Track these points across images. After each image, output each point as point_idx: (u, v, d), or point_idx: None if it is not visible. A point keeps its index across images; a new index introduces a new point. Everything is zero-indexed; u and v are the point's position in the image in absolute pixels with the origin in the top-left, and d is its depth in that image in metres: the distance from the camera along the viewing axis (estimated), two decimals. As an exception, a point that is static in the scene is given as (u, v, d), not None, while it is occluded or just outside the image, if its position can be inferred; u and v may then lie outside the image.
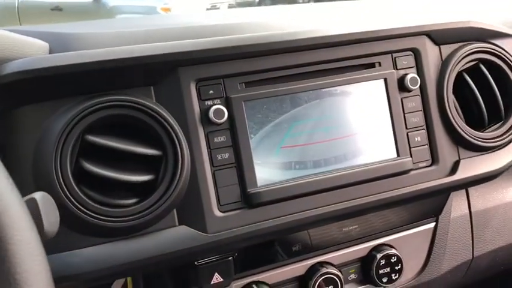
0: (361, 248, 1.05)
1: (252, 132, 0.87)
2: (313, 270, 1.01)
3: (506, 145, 1.05)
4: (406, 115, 0.96)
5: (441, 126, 0.98)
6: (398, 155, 0.95)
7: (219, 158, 0.84)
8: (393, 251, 1.06)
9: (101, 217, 0.77)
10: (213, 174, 0.84)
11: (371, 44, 0.94)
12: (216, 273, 0.90)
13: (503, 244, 1.23)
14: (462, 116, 1.02)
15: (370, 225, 1.05)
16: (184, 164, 0.81)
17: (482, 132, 1.02)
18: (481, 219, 1.20)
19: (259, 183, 0.86)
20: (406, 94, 0.96)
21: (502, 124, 1.04)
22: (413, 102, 0.97)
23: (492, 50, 1.04)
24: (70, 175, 0.76)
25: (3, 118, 0.78)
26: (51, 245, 0.77)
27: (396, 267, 1.06)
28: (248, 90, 0.87)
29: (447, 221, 1.15)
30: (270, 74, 0.88)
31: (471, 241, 1.19)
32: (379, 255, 1.04)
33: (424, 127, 0.98)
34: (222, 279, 0.90)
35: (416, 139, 0.97)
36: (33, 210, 0.53)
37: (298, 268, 1.01)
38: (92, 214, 0.76)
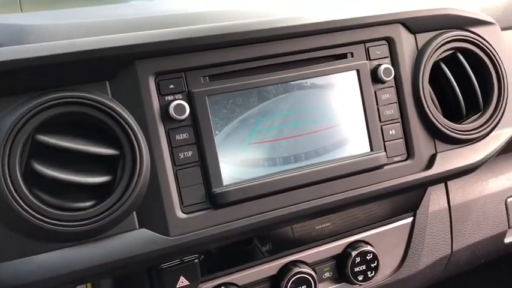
0: (336, 246, 1.03)
1: (217, 129, 0.83)
2: (285, 269, 0.98)
3: (485, 137, 1.02)
4: (380, 108, 0.93)
5: (417, 119, 0.95)
6: (371, 149, 0.92)
7: (182, 156, 0.81)
8: (369, 247, 1.03)
9: (55, 222, 0.73)
10: (175, 174, 0.80)
11: (342, 34, 0.90)
12: (182, 277, 0.86)
13: (483, 237, 1.21)
14: (439, 108, 0.99)
15: (344, 222, 1.02)
16: (143, 164, 0.77)
17: (460, 124, 1.00)
18: (460, 212, 1.18)
19: (225, 182, 0.83)
20: (380, 86, 0.93)
21: (481, 115, 1.01)
22: (388, 94, 0.93)
23: (470, 38, 1.00)
24: (19, 177, 0.71)
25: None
26: (0, 252, 0.73)
27: (372, 265, 1.03)
28: (212, 84, 0.83)
29: (425, 216, 1.12)
30: (235, 66, 0.84)
31: (450, 235, 1.17)
32: (354, 253, 1.02)
33: (399, 120, 0.95)
34: (188, 283, 0.87)
35: (390, 132, 0.93)
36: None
37: (269, 268, 0.98)
38: (45, 219, 0.72)
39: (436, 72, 0.98)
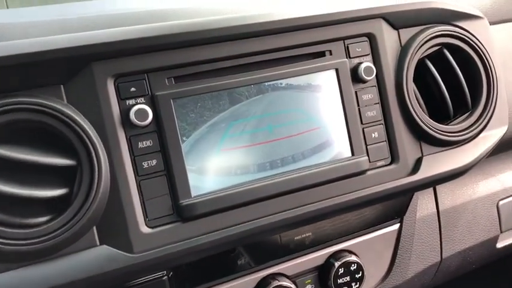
0: (318, 256, 0.98)
1: (184, 135, 0.77)
2: (264, 283, 0.93)
3: (474, 138, 0.97)
4: (361, 109, 0.88)
5: (401, 120, 0.91)
6: (353, 153, 0.87)
7: (145, 165, 0.75)
8: (353, 257, 0.98)
9: (5, 240, 0.67)
10: (138, 185, 0.75)
11: (320, 30, 0.86)
12: (150, 296, 0.81)
13: (474, 243, 1.17)
14: (424, 108, 0.95)
15: (326, 231, 0.97)
16: (101, 174, 0.72)
17: (447, 125, 0.95)
18: (449, 217, 1.14)
19: (193, 193, 0.78)
20: (361, 85, 0.89)
21: (469, 115, 0.97)
22: (369, 94, 0.89)
23: (457, 34, 0.96)
24: None
25: None
26: None
27: (357, 275, 0.98)
28: (178, 86, 0.78)
29: (412, 222, 1.08)
30: (203, 66, 0.79)
31: (439, 242, 1.13)
32: (337, 263, 0.97)
33: (382, 122, 0.90)
34: (156, 302, 0.81)
35: (373, 135, 0.89)
36: None
37: (247, 282, 0.93)
38: None
39: (421, 70, 0.94)
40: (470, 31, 0.97)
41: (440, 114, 0.95)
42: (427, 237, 1.11)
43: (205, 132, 0.78)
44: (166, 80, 0.77)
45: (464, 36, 0.96)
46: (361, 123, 0.88)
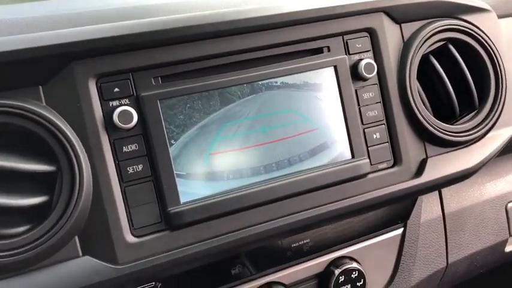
0: (317, 263, 0.94)
1: (172, 138, 0.74)
2: (260, 293, 0.89)
3: (481, 138, 0.94)
4: (361, 108, 0.85)
5: (404, 120, 0.88)
6: (353, 156, 0.84)
7: (130, 171, 0.72)
8: (354, 264, 0.95)
9: None
10: (123, 192, 0.72)
11: (317, 25, 0.83)
12: (138, 308, 0.77)
13: (482, 247, 1.14)
14: (429, 107, 0.92)
15: (325, 236, 0.93)
16: (83, 180, 0.68)
17: (453, 124, 0.92)
18: (455, 221, 1.10)
19: (182, 200, 0.74)
20: (361, 83, 0.85)
21: (476, 114, 0.94)
22: (370, 92, 0.86)
23: (463, 28, 0.92)
24: None
25: None
26: None
27: (358, 283, 0.95)
28: (165, 86, 0.74)
29: (417, 226, 1.04)
30: (192, 65, 0.76)
31: (445, 246, 1.09)
32: (337, 271, 0.94)
33: (384, 122, 0.87)
34: (145, 314, 0.77)
35: (374, 136, 0.86)
36: None
37: (242, 292, 0.89)
38: None
39: (425, 66, 0.91)
40: (477, 25, 0.94)
41: (445, 113, 0.93)
42: (432, 241, 1.07)
43: (194, 135, 0.75)
44: (152, 79, 0.73)
45: (470, 31, 0.93)
46: (362, 123, 0.85)
